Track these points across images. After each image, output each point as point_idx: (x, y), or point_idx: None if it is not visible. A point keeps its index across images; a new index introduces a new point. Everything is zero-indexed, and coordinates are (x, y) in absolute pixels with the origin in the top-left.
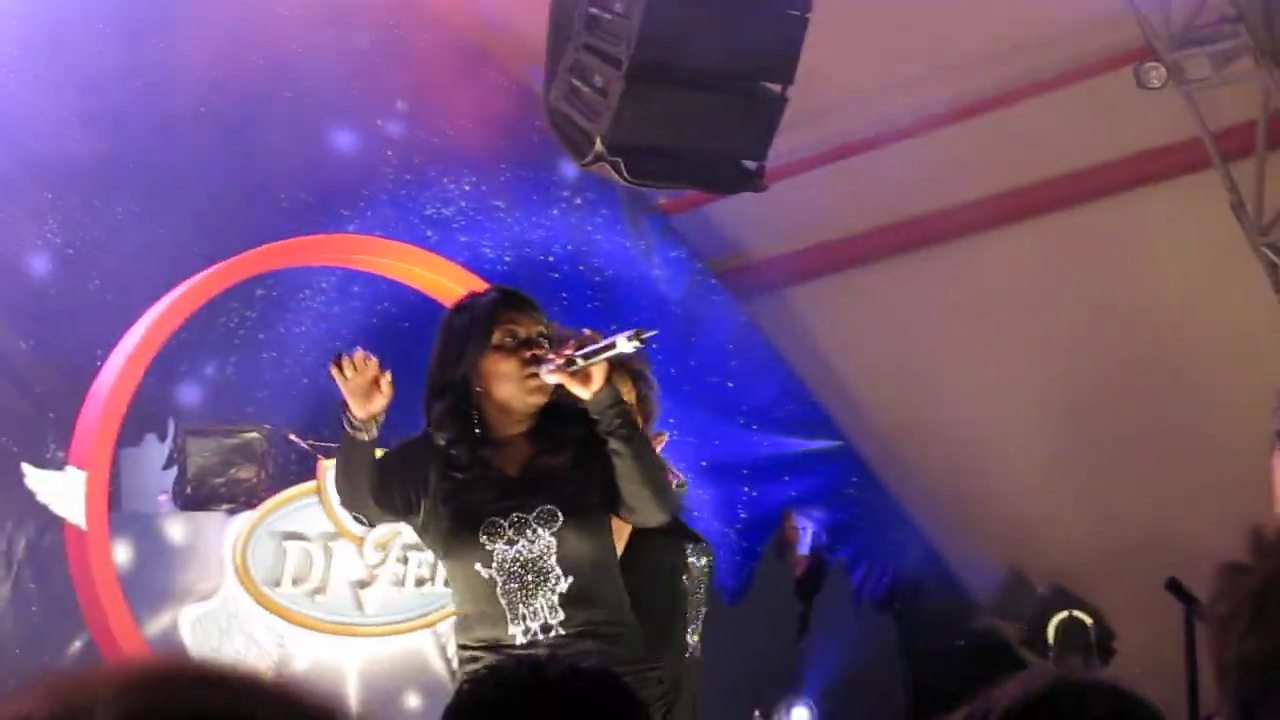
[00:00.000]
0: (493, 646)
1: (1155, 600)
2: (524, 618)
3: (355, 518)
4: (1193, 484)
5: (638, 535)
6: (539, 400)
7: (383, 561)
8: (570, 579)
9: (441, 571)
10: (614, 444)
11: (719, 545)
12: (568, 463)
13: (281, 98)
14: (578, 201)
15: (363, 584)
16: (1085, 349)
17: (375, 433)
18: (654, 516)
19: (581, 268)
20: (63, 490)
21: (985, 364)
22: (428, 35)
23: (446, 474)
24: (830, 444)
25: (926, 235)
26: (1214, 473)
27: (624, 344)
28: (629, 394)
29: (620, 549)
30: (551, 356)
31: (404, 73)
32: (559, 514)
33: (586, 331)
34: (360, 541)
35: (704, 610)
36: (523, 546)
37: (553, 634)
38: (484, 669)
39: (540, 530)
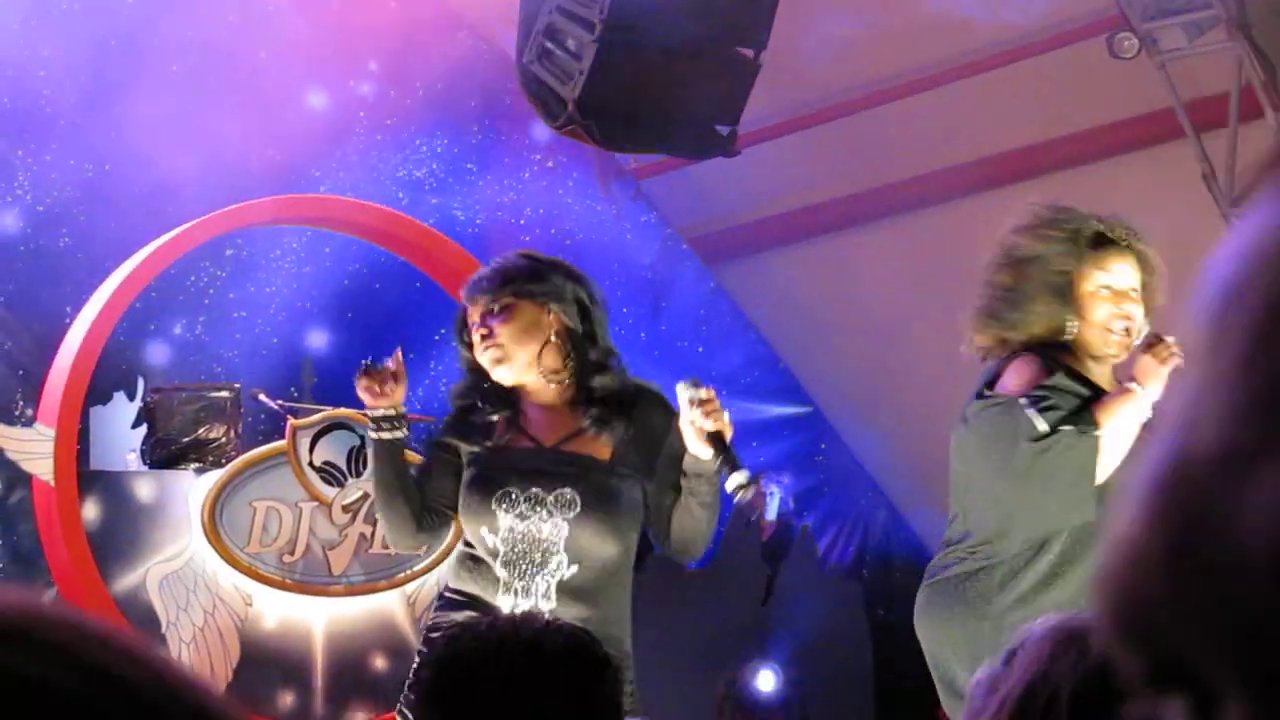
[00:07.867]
0: (474, 602)
1: None
2: (516, 594)
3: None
4: None
5: None
6: (498, 372)
7: (351, 522)
8: (575, 569)
9: None
10: (698, 506)
11: None
12: (611, 453)
13: (254, 57)
14: (549, 165)
15: (331, 545)
16: None
17: (405, 430)
18: (692, 561)
19: (553, 231)
20: (31, 447)
21: (956, 332)
22: None
23: (475, 439)
24: (799, 410)
25: (896, 202)
26: None
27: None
28: None
29: None
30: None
31: (376, 34)
32: (578, 502)
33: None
34: (329, 503)
35: None
36: (533, 524)
37: None
38: (458, 624)
39: (555, 514)
